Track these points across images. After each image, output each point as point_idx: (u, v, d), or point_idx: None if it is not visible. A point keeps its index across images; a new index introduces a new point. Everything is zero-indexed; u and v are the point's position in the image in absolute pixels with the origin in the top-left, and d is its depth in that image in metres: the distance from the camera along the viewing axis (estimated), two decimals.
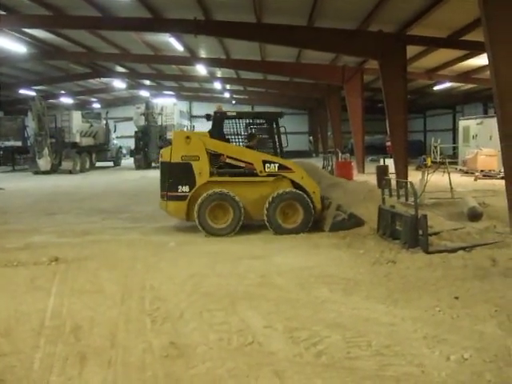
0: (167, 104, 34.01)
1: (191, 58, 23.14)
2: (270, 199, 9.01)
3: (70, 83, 33.06)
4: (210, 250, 7.93)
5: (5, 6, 15.06)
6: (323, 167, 20.22)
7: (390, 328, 4.47)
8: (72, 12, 15.74)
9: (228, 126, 10.22)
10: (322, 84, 28.60)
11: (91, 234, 9.34)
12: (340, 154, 20.92)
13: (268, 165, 9.30)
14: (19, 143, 29.11)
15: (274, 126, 9.71)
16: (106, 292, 5.69)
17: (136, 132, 31.55)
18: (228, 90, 37.17)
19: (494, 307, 4.87)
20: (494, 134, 14.19)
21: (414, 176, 15.13)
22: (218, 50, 21.07)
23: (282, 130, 9.74)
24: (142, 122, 30.64)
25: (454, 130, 36.01)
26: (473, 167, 21.09)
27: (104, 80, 32.56)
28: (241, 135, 10.41)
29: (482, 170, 20.21)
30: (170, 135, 28.60)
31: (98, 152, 31.41)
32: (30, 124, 26.55)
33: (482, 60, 18.01)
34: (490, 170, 20.02)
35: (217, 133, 9.61)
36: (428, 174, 12.79)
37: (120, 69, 29.47)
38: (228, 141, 10.00)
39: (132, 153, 32.33)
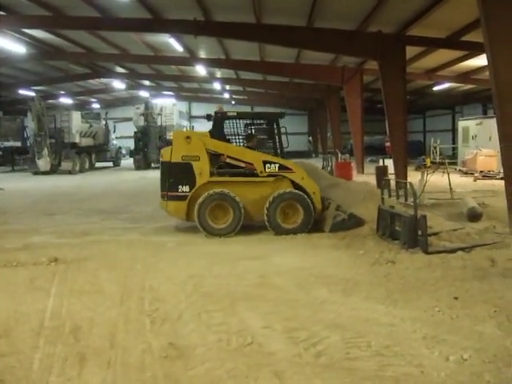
0: (166, 104, 34.02)
1: (191, 58, 23.13)
2: (271, 199, 9.01)
3: (70, 83, 33.05)
4: (209, 250, 7.93)
5: (4, 6, 15.04)
6: (323, 168, 20.25)
7: (389, 328, 4.47)
8: (71, 12, 15.73)
9: (228, 127, 10.23)
10: (321, 84, 28.59)
11: (91, 235, 9.34)
12: (339, 155, 20.93)
13: (268, 165, 9.30)
14: (19, 143, 29.13)
15: (275, 126, 9.71)
16: (106, 292, 5.69)
17: (135, 132, 31.57)
18: (227, 90, 37.16)
19: (494, 308, 4.88)
20: (494, 134, 14.19)
21: (413, 176, 15.12)
22: (218, 50, 21.06)
23: (282, 130, 9.75)
24: (142, 123, 30.65)
25: (454, 130, 36.05)
26: (472, 168, 21.09)
27: (103, 80, 32.58)
28: (241, 135, 10.41)
29: (481, 171, 20.20)
30: (169, 135, 28.68)
31: (98, 152, 31.40)
32: (30, 124, 26.51)
33: (481, 60, 18.00)
34: (489, 171, 20.02)
35: (217, 133, 9.61)
36: (427, 174, 12.78)
37: (119, 69, 29.46)
38: (228, 141, 10.01)
39: (131, 153, 32.32)
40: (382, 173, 14.66)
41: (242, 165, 9.32)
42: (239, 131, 10.35)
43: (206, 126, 11.35)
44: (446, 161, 16.44)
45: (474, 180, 18.95)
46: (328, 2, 13.07)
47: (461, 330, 4.41)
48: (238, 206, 9.02)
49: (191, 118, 45.05)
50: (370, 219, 8.98)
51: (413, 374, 3.64)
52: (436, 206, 11.81)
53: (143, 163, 29.82)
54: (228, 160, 9.33)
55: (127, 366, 3.87)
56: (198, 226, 9.07)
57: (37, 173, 25.39)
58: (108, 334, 4.47)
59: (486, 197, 13.04)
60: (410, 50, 15.85)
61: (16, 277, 6.36)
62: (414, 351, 3.99)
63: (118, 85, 32.96)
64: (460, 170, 22.67)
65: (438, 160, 21.45)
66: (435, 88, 27.82)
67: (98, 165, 31.68)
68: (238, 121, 10.31)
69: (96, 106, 43.54)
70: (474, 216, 9.97)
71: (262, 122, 10.44)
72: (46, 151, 25.01)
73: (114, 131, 34.33)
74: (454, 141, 33.01)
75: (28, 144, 27.74)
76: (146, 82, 36.04)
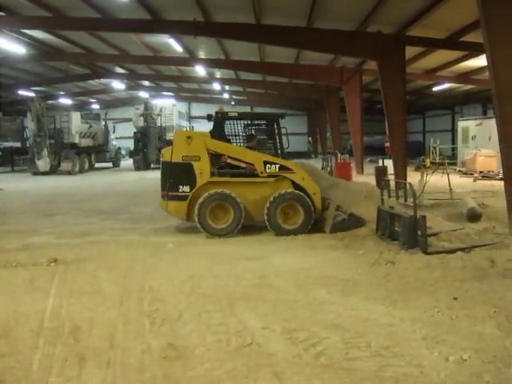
0: (166, 105, 34.02)
1: (190, 58, 23.13)
2: (271, 200, 9.01)
3: (70, 84, 33.05)
4: (209, 250, 7.93)
5: (4, 7, 15.05)
6: (322, 168, 20.27)
7: (388, 329, 4.47)
8: (71, 13, 15.73)
9: (229, 127, 10.23)
10: (320, 85, 28.59)
11: (90, 235, 9.33)
12: (339, 155, 20.93)
13: (269, 165, 9.30)
14: (18, 144, 29.11)
15: (276, 126, 9.71)
16: (105, 293, 5.68)
17: (135, 133, 31.54)
18: (227, 90, 37.17)
19: (493, 308, 4.88)
20: (493, 134, 14.23)
21: (413, 177, 15.13)
22: (218, 50, 21.07)
23: (283, 130, 9.75)
24: (141, 123, 30.63)
25: (453, 130, 36.07)
26: (472, 168, 21.10)
27: (103, 81, 32.54)
28: (242, 136, 10.41)
29: (481, 171, 20.22)
30: (169, 136, 28.71)
31: (97, 153, 31.39)
32: (29, 125, 26.51)
33: (481, 61, 18.01)
34: (488, 171, 20.03)
35: (218, 133, 9.61)
36: (427, 174, 12.78)
37: (119, 70, 29.45)
38: (229, 141, 10.01)
39: (131, 154, 32.30)
40: (381, 173, 14.67)
41: (243, 165, 9.32)
42: (240, 131, 10.35)
43: (205, 127, 11.35)
44: (446, 161, 16.44)
45: (474, 180, 18.95)
46: (328, 2, 13.08)
47: (460, 331, 4.41)
48: (239, 207, 9.01)
49: (191, 118, 45.09)
50: (369, 219, 8.98)
51: (412, 375, 3.64)
52: (435, 207, 11.81)
53: (143, 164, 29.82)
54: (228, 160, 9.32)
55: (127, 366, 3.87)
56: (198, 226, 9.06)
57: (36, 173, 25.40)
58: (107, 334, 4.47)
59: (485, 197, 13.03)
60: (410, 51, 15.85)
61: (15, 277, 6.36)
62: (414, 351, 3.99)
63: (118, 85, 32.97)
64: (459, 171, 22.68)
65: (437, 160, 21.46)
66: (435, 88, 27.84)
67: (97, 165, 31.67)
68: (238, 121, 10.31)
69: (95, 106, 43.54)
70: (473, 216, 9.97)
71: (262, 122, 10.45)
72: (45, 152, 25.02)
73: (114, 132, 34.32)
74: (454, 141, 33.03)
75: (28, 144, 27.75)
76: (146, 83, 36.03)
